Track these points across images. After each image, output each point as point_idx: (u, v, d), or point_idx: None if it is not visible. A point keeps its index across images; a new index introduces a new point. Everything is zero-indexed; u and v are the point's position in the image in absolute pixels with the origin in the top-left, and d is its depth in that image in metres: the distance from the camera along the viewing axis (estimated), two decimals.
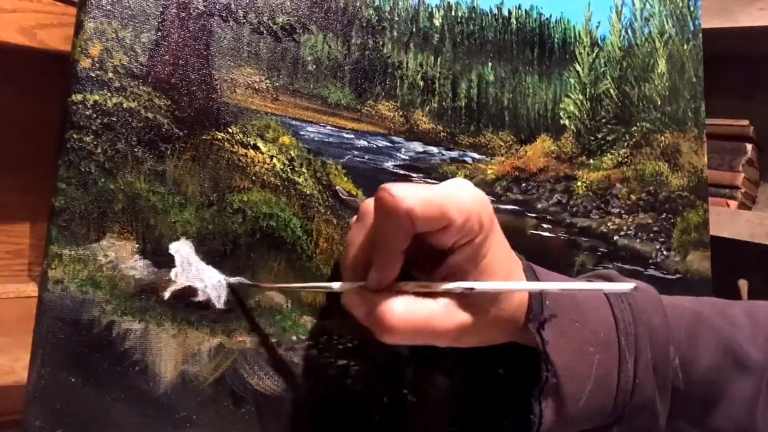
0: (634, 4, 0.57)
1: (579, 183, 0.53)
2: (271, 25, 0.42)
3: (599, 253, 0.54)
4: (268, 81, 0.42)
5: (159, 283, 0.38)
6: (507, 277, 0.37)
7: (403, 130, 0.47)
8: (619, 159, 0.55)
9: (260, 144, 0.41)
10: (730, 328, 0.43)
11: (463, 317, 0.35)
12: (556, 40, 0.53)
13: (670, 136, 0.57)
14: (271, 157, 0.42)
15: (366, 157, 0.45)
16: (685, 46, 0.59)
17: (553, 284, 0.35)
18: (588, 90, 0.54)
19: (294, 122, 0.43)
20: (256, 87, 0.42)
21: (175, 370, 0.38)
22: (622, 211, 0.55)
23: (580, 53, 0.54)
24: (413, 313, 0.34)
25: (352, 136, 0.45)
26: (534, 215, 0.51)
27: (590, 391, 0.39)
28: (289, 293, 0.42)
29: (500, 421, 0.47)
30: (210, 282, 0.39)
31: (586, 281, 0.45)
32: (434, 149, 0.48)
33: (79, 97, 0.36)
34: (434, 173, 0.48)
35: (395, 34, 0.47)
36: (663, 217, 0.57)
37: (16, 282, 0.76)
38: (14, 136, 0.75)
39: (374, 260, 0.34)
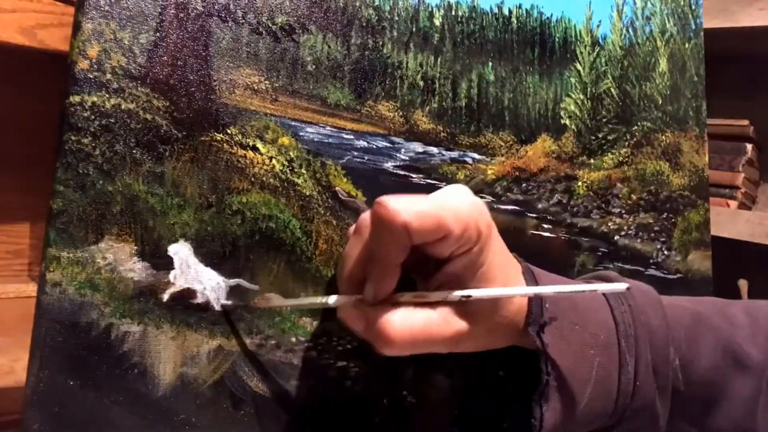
0: (635, 3, 0.56)
1: (580, 183, 0.53)
2: (270, 25, 0.42)
3: (600, 253, 0.53)
4: (267, 82, 0.42)
5: (158, 285, 0.38)
6: (505, 283, 0.36)
7: (402, 131, 0.47)
8: (620, 158, 0.55)
9: (259, 145, 0.41)
10: (729, 327, 0.43)
11: (461, 325, 0.35)
12: (556, 40, 0.53)
13: (671, 136, 0.57)
14: (271, 158, 0.41)
15: (366, 157, 0.45)
16: (687, 45, 0.58)
17: (548, 288, 0.35)
18: (589, 89, 0.54)
19: (293, 123, 0.43)
20: (255, 88, 0.41)
21: (174, 373, 0.38)
22: (623, 211, 0.55)
23: (581, 52, 0.54)
24: (412, 324, 0.34)
25: (352, 136, 0.45)
26: (534, 215, 0.51)
27: (591, 393, 0.39)
28: (289, 294, 0.41)
29: (500, 423, 0.47)
30: (209, 284, 0.39)
31: (583, 283, 0.45)
32: (434, 149, 0.48)
33: (77, 98, 0.36)
34: (434, 174, 0.48)
35: (395, 33, 0.47)
36: (664, 216, 0.56)
37: (16, 282, 0.76)
38: (14, 136, 0.75)
39: (371, 273, 0.34)
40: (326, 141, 0.44)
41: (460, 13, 0.49)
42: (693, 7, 0.59)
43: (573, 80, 0.53)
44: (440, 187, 0.36)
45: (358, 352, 0.43)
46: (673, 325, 0.42)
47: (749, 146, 1.20)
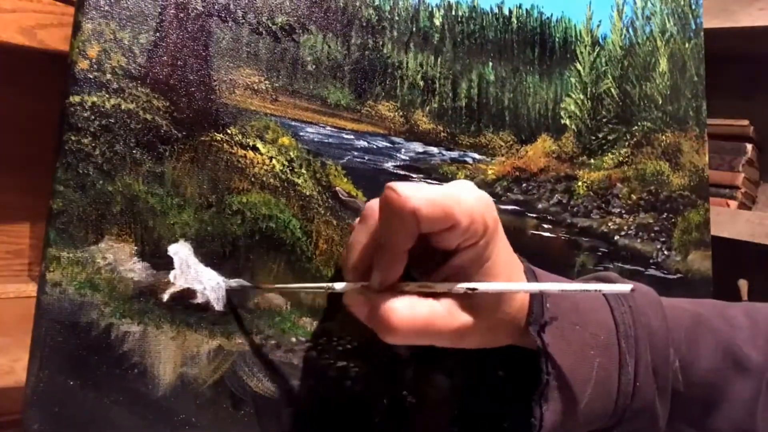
0: (635, 3, 0.56)
1: (580, 183, 0.53)
2: (270, 25, 0.42)
3: (600, 253, 0.53)
4: (267, 82, 0.42)
5: (158, 285, 0.38)
6: (509, 279, 0.37)
7: (403, 131, 0.47)
8: (620, 158, 0.55)
9: (259, 145, 0.41)
10: (729, 329, 0.43)
11: (464, 318, 0.35)
12: (556, 40, 0.53)
13: (671, 136, 0.57)
14: (271, 158, 0.41)
15: (366, 157, 0.45)
16: (687, 45, 0.58)
17: (554, 285, 0.35)
18: (589, 89, 0.54)
19: (293, 123, 0.43)
20: (256, 88, 0.41)
21: (174, 373, 0.38)
22: (623, 211, 0.55)
23: (581, 52, 0.54)
24: (415, 313, 0.34)
25: (352, 136, 0.45)
26: (534, 215, 0.51)
27: (591, 394, 0.39)
28: (289, 294, 0.41)
29: (500, 423, 0.47)
30: (209, 284, 0.39)
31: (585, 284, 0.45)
32: (434, 149, 0.48)
33: (77, 98, 0.36)
34: (434, 174, 0.48)
35: (395, 33, 0.47)
36: (664, 216, 0.56)
37: (16, 282, 0.76)
38: (14, 136, 0.75)
39: (378, 260, 0.34)
40: (326, 141, 0.44)
41: (460, 13, 0.49)
42: (693, 7, 0.59)
43: (573, 80, 0.53)
44: None
45: (358, 352, 0.43)
46: (673, 327, 0.42)
47: (749, 146, 1.20)
